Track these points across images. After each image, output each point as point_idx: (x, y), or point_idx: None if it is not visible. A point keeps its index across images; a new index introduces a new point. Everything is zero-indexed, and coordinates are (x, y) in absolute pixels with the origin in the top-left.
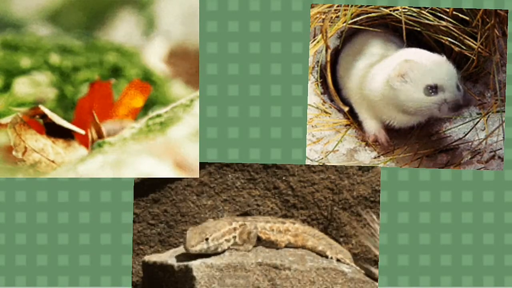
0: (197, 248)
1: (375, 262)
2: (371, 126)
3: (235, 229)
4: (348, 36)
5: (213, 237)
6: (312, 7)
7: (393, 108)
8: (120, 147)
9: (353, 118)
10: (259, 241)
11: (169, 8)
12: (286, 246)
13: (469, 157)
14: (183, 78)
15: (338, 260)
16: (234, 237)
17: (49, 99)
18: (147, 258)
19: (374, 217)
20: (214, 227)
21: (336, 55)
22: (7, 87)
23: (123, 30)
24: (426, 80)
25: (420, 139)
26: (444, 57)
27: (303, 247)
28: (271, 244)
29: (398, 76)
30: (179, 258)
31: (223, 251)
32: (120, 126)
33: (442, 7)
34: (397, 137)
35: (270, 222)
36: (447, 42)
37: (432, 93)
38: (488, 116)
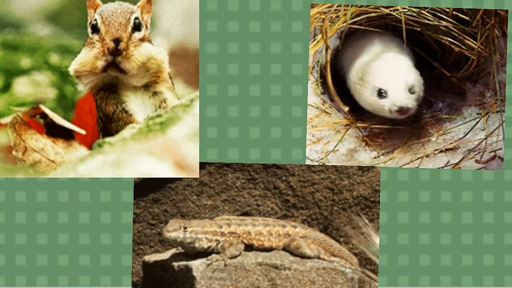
0: (172, 235)
1: (371, 265)
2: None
3: (222, 234)
4: (348, 36)
5: (192, 230)
6: (312, 7)
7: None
8: (120, 147)
9: (353, 118)
10: (251, 248)
11: (169, 8)
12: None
13: (469, 157)
14: (183, 78)
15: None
16: (218, 241)
17: (49, 99)
18: (147, 258)
19: (367, 221)
20: (200, 223)
21: (336, 54)
22: (7, 87)
23: None
24: (379, 84)
25: (419, 139)
26: (410, 63)
27: (301, 255)
28: (265, 250)
29: (358, 79)
30: (179, 258)
31: (202, 249)
32: None
33: (442, 7)
34: (397, 137)
35: (270, 225)
36: (447, 42)
37: (384, 96)
38: (488, 116)
